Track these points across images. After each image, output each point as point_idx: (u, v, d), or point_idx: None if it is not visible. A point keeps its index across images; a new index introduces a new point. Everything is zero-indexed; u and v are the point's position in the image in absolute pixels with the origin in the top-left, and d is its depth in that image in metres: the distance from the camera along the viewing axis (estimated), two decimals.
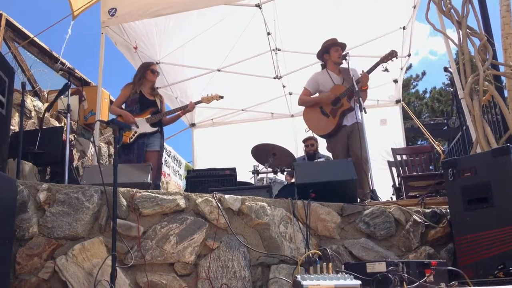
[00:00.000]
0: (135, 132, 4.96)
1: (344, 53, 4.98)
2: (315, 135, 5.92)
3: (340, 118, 4.88)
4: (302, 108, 5.26)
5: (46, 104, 6.24)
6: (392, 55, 4.84)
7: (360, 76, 4.84)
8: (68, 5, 5.62)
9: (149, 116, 5.06)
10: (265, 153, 5.72)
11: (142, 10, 5.66)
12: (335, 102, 4.91)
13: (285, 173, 5.97)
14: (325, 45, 5.13)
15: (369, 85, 4.93)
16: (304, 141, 6.67)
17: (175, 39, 6.83)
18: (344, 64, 4.97)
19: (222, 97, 5.38)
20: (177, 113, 5.34)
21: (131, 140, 4.93)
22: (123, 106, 5.19)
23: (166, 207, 3.24)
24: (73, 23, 5.64)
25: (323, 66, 5.22)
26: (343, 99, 4.87)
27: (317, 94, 5.14)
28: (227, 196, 3.35)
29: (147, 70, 5.22)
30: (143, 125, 5.01)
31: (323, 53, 5.16)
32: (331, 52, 5.06)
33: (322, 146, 6.25)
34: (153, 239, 3.15)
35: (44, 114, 5.63)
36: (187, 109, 5.27)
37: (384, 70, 4.89)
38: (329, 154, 5.65)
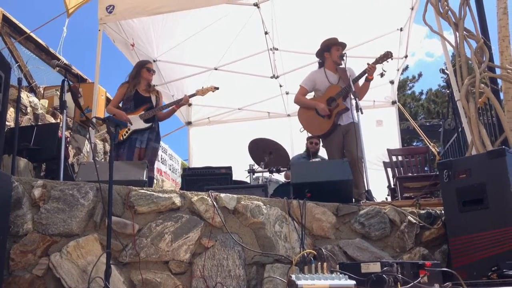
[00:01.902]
0: (129, 129, 4.95)
1: (342, 53, 4.98)
2: (309, 134, 5.94)
3: (335, 118, 4.88)
4: (298, 111, 5.26)
5: (45, 100, 6.23)
6: (387, 56, 4.84)
7: (365, 69, 4.83)
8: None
9: (142, 112, 5.05)
10: (261, 150, 5.72)
11: (140, 8, 5.65)
12: (330, 103, 4.91)
13: (281, 173, 5.96)
14: (327, 43, 5.11)
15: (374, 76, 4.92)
16: (308, 138, 6.63)
17: (172, 37, 6.82)
18: (341, 64, 4.97)
19: (217, 88, 5.38)
20: (171, 107, 5.32)
21: (124, 137, 4.93)
22: (120, 105, 5.19)
23: (162, 205, 3.24)
24: (68, 21, 5.64)
25: (321, 64, 5.20)
26: (338, 100, 4.87)
27: (313, 93, 5.14)
28: (222, 195, 3.35)
29: (143, 69, 5.22)
30: (136, 122, 5.00)
31: (324, 51, 5.14)
32: (332, 51, 5.04)
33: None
34: (148, 237, 3.14)
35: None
36: (181, 102, 5.25)
37: (380, 74, 4.90)
38: (324, 155, 5.65)
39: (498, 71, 4.29)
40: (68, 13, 5.62)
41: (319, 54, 5.22)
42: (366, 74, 4.84)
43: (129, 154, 4.90)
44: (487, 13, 4.70)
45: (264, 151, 5.69)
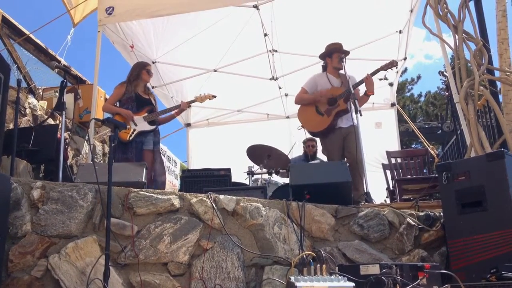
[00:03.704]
0: (134, 130, 4.95)
1: (341, 56, 4.98)
2: (308, 133, 5.94)
3: (335, 118, 4.88)
4: (298, 109, 5.25)
5: (44, 102, 6.23)
6: (392, 64, 4.89)
7: (362, 79, 4.85)
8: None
9: (146, 114, 5.05)
10: (260, 155, 5.72)
11: (139, 10, 5.64)
12: (331, 102, 4.91)
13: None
14: (329, 49, 5.11)
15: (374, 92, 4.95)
16: (305, 141, 6.63)
17: (172, 38, 6.82)
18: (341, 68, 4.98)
19: (215, 97, 5.39)
20: (171, 113, 5.35)
21: (131, 138, 4.92)
22: (117, 105, 5.17)
23: (161, 206, 3.23)
24: (70, 26, 5.68)
25: (324, 68, 5.21)
26: (339, 100, 4.87)
27: None
28: (222, 197, 3.35)
29: (143, 70, 5.20)
30: (141, 123, 5.00)
31: (326, 56, 5.15)
32: (333, 57, 5.05)
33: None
34: (147, 239, 3.14)
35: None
36: (180, 108, 5.28)
37: (382, 79, 4.93)
38: (324, 158, 5.64)
39: (497, 73, 4.29)
40: (73, 23, 5.66)
41: (322, 58, 5.23)
42: (366, 90, 4.87)
43: (138, 157, 4.89)
44: (486, 15, 4.71)
45: (263, 154, 5.69)
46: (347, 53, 5.08)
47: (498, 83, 4.41)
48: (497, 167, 3.02)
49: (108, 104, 5.17)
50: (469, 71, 4.27)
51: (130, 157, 4.87)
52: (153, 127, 5.05)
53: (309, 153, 6.50)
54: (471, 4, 4.53)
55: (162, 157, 8.69)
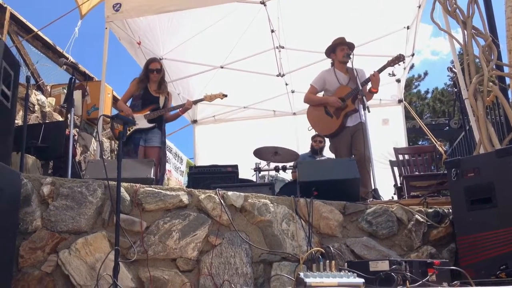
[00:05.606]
0: (131, 128, 4.99)
1: (348, 52, 4.97)
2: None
3: (344, 119, 4.88)
4: (304, 106, 5.25)
5: (52, 98, 6.26)
6: (399, 59, 4.85)
7: (368, 76, 4.83)
8: (73, 0, 5.64)
9: (148, 112, 5.08)
10: (266, 156, 5.72)
11: (147, 6, 5.67)
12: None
13: (288, 171, 5.95)
14: (332, 44, 5.12)
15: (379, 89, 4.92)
16: (313, 136, 6.63)
17: (178, 35, 6.83)
18: (349, 64, 4.97)
19: (226, 96, 5.39)
20: (176, 111, 5.38)
21: (127, 134, 4.97)
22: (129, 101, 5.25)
23: (169, 202, 3.24)
24: (79, 21, 5.68)
25: (332, 64, 5.21)
26: (347, 101, 4.86)
27: (322, 93, 5.14)
28: (230, 193, 3.36)
29: (147, 70, 5.26)
30: (140, 121, 5.04)
31: (330, 52, 5.15)
32: (337, 52, 5.05)
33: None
34: (155, 235, 3.15)
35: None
36: (185, 107, 5.30)
37: (391, 75, 4.90)
38: (331, 155, 5.64)
39: (506, 69, 4.27)
40: (81, 15, 5.67)
41: (327, 55, 5.22)
42: (370, 86, 4.85)
43: (134, 153, 4.95)
44: (495, 11, 4.68)
45: (269, 154, 5.69)
46: (351, 45, 5.06)
47: (507, 79, 4.39)
48: (507, 164, 3.01)
49: (120, 101, 5.30)
50: (477, 67, 4.24)
51: (126, 151, 4.93)
52: (151, 124, 5.08)
53: (317, 148, 6.48)
54: (480, 0, 4.50)
55: (169, 153, 8.77)
